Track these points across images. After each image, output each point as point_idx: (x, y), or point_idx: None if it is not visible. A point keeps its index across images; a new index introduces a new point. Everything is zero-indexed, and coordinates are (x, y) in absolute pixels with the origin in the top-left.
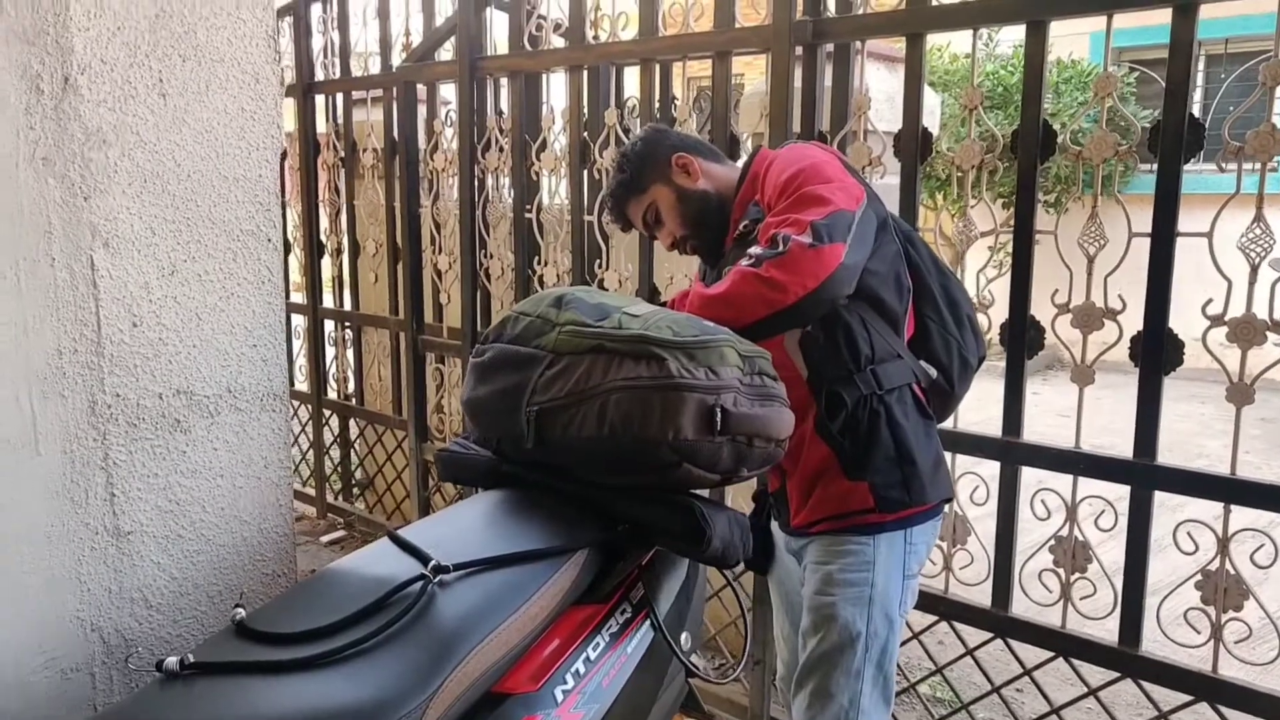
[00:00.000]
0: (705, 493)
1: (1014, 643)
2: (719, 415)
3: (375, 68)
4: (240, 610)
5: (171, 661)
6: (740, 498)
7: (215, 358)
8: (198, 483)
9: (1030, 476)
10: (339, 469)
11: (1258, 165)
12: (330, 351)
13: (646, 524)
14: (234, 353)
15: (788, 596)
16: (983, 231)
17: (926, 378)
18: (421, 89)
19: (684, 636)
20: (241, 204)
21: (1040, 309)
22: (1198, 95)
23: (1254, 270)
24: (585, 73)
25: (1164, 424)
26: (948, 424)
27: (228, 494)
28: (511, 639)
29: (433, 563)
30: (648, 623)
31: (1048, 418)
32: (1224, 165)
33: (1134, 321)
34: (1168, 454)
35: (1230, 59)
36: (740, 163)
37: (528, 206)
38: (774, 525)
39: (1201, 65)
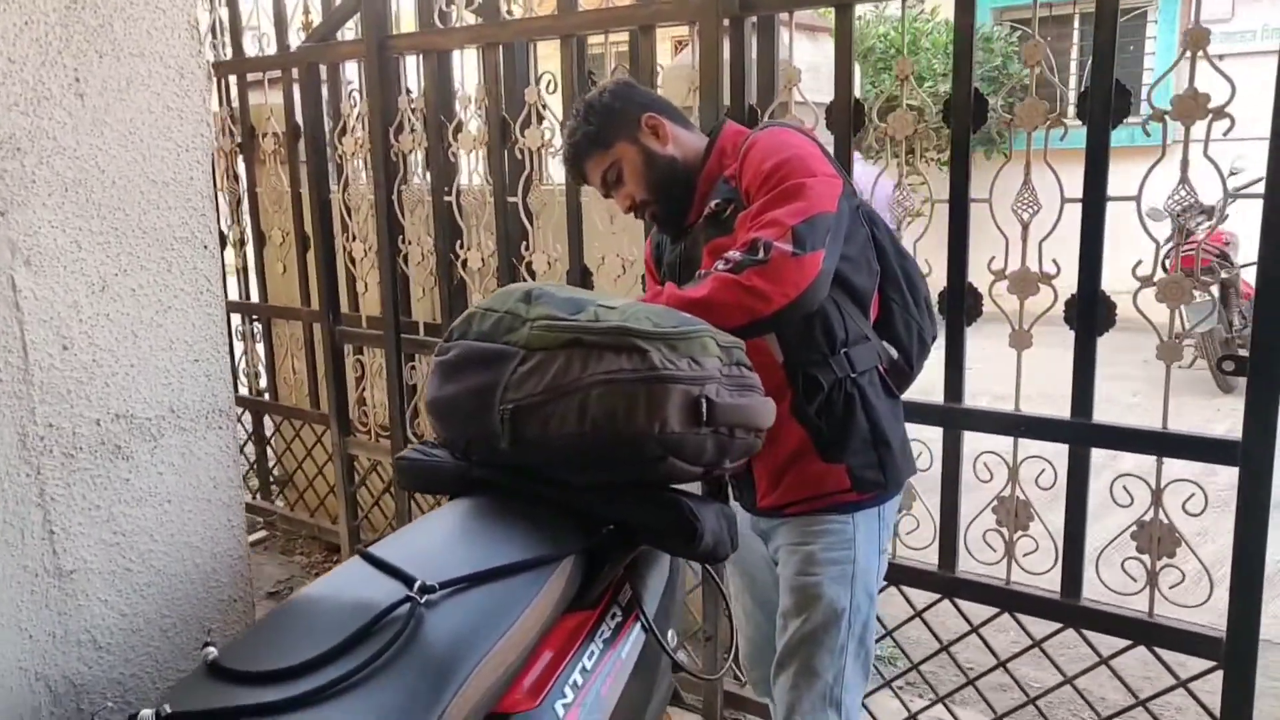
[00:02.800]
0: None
1: (961, 602)
2: (705, 406)
3: (271, 47)
4: (211, 649)
5: (146, 714)
6: None
7: (155, 376)
8: (144, 511)
9: (972, 441)
10: (254, 467)
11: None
12: (239, 346)
13: (633, 524)
14: (175, 369)
15: (752, 576)
16: (920, 203)
17: (889, 358)
18: (323, 70)
19: (670, 634)
20: (173, 209)
21: (977, 275)
22: (1074, 54)
23: (1181, 231)
24: (501, 50)
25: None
26: None
27: (176, 519)
28: (508, 656)
29: (418, 583)
30: (638, 624)
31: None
32: (1148, 130)
33: (1069, 284)
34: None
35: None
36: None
37: (446, 189)
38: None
39: (1077, 23)
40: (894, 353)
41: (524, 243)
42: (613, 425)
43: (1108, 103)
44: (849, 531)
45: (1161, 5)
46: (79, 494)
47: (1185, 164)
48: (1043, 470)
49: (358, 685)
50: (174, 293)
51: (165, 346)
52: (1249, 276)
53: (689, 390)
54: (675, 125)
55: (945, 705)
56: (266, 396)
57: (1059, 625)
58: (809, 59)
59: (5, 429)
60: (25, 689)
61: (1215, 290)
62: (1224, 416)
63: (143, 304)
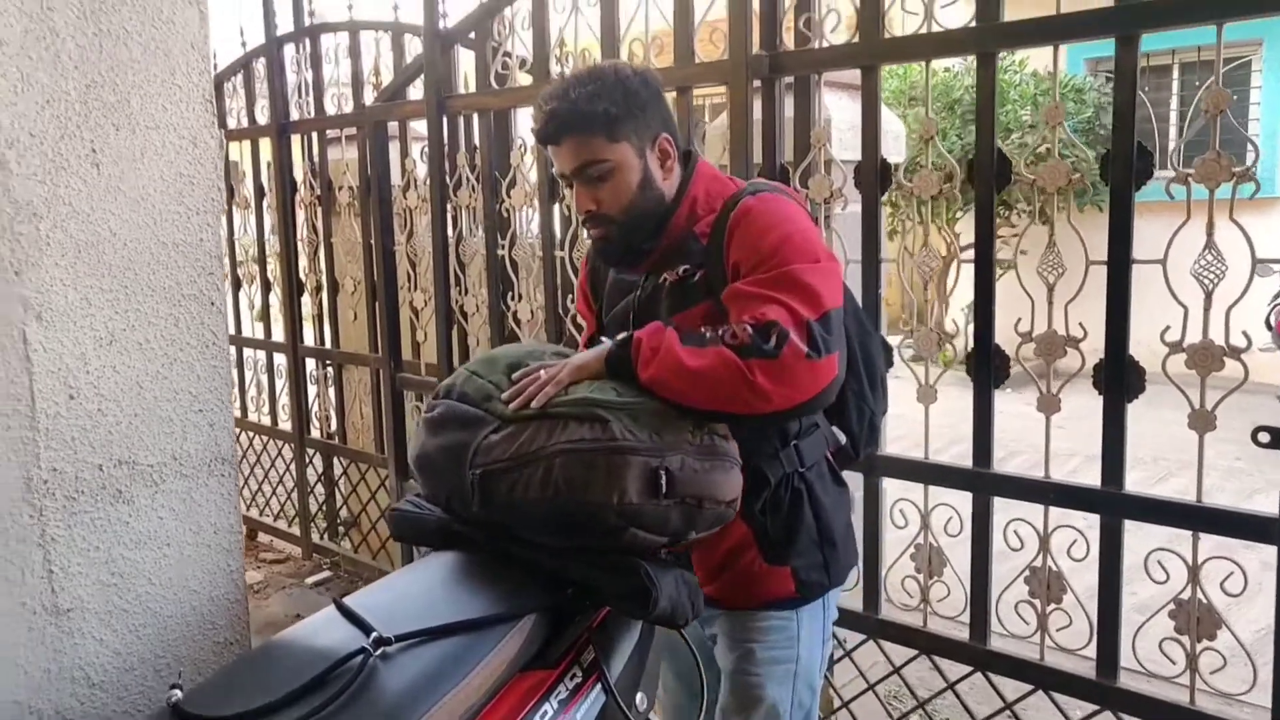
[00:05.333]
0: None
1: (994, 676)
2: (664, 478)
3: (349, 106)
4: (176, 691)
5: None
6: None
7: (158, 425)
8: (142, 554)
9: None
10: (324, 508)
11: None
12: (312, 390)
13: (593, 586)
14: (178, 419)
15: (672, 646)
16: (943, 257)
17: (835, 442)
18: (394, 126)
19: (639, 697)
20: (182, 269)
21: (1004, 336)
22: (1174, 104)
23: (1208, 297)
24: None
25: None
26: (916, 454)
27: (174, 563)
28: (456, 711)
29: (374, 635)
30: (599, 686)
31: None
32: (1172, 192)
33: (1097, 346)
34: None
35: (1203, 66)
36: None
37: (500, 243)
38: None
39: (1176, 74)
40: (842, 438)
41: (570, 296)
42: (573, 493)
43: (1130, 165)
44: (792, 629)
45: (1266, 54)
46: (79, 535)
47: (1210, 226)
48: (1074, 540)
49: None
50: (180, 346)
51: (170, 397)
52: None
53: (648, 461)
54: (676, 162)
55: None
56: (337, 440)
57: (1094, 708)
58: (852, 117)
59: (11, 472)
60: None
61: None
62: None
63: (149, 356)
